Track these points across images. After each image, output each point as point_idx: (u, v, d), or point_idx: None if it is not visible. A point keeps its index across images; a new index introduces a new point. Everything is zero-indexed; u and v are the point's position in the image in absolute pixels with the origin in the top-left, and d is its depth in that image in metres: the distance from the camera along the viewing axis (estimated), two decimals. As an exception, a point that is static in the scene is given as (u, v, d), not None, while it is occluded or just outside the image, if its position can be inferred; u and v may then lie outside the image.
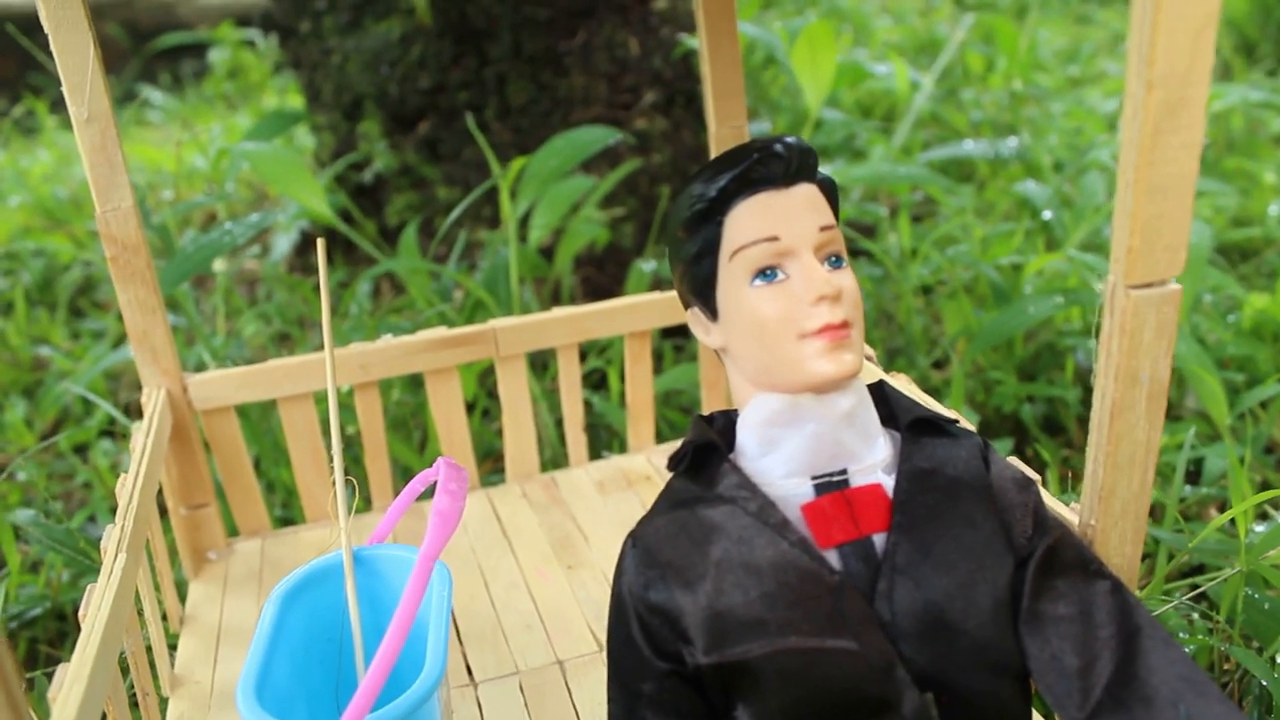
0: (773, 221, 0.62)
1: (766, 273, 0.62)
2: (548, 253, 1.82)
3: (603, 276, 1.89)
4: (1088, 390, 1.53)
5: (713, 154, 1.14)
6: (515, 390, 1.18)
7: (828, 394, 0.63)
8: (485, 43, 1.89)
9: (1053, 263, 1.63)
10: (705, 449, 0.64)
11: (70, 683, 0.69)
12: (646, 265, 1.59)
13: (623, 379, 1.51)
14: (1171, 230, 0.62)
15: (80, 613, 0.77)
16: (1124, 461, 0.67)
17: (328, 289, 0.89)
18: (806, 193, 0.64)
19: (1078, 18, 3.47)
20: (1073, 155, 2.13)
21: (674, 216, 0.67)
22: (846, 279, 0.63)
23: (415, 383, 1.49)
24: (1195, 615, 1.02)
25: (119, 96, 3.30)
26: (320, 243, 0.93)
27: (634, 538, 0.65)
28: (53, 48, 0.96)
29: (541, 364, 1.64)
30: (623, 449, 1.41)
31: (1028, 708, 0.64)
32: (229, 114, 2.87)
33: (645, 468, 1.22)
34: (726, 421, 0.68)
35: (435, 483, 0.81)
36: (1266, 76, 2.87)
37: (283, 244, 1.97)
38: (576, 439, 1.23)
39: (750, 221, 0.63)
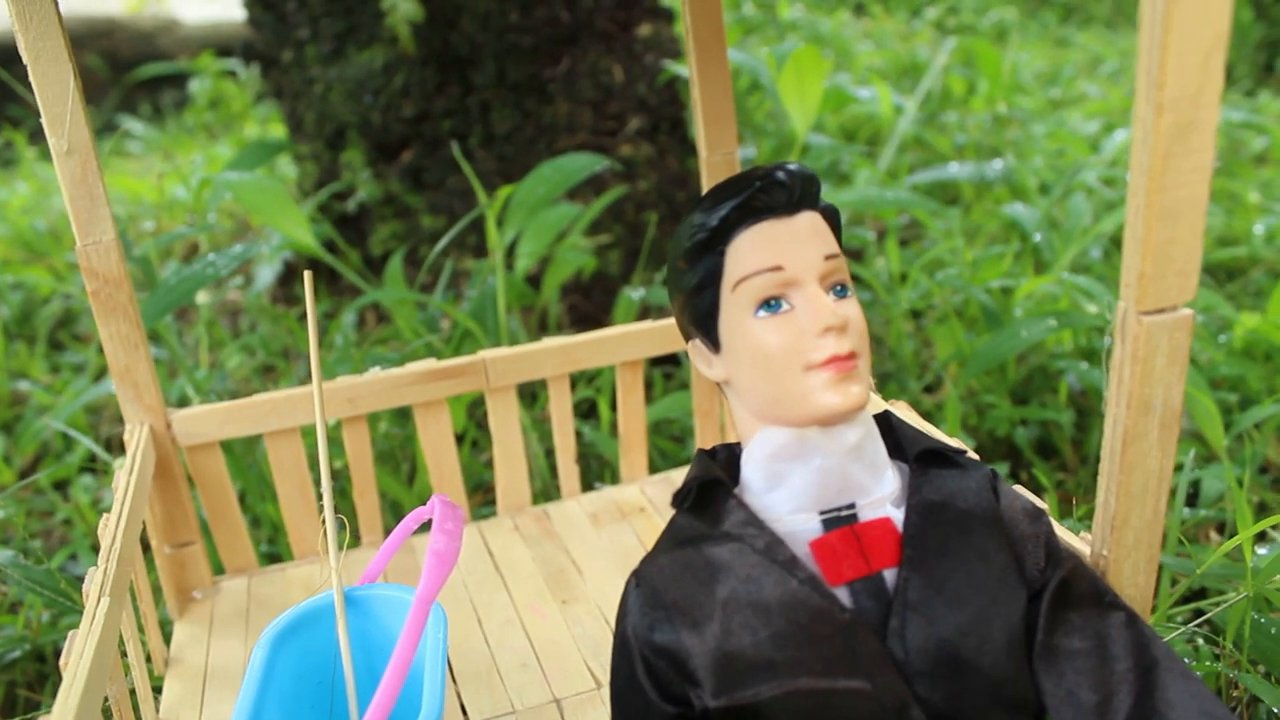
0: (776, 251, 0.61)
1: (770, 303, 0.61)
2: (534, 281, 1.81)
3: (589, 304, 1.88)
4: (1081, 413, 1.52)
5: (704, 181, 1.13)
6: (506, 422, 1.16)
7: (835, 427, 0.61)
8: (469, 70, 1.88)
9: (1043, 286, 1.62)
10: (710, 485, 0.62)
11: (52, 734, 0.67)
12: (635, 293, 1.57)
13: (613, 408, 1.50)
14: (1183, 255, 0.61)
15: (62, 660, 0.74)
16: (1137, 491, 0.66)
17: (315, 323, 0.87)
18: (810, 221, 0.63)
19: (1056, 41, 3.49)
20: (1057, 177, 2.13)
21: (674, 247, 0.65)
22: (852, 309, 0.62)
23: (402, 414, 1.47)
24: (1200, 641, 1.01)
25: (99, 127, 3.27)
26: (308, 275, 0.91)
27: (638, 577, 0.63)
28: (32, 79, 0.94)
29: (530, 394, 1.62)
30: (615, 479, 1.39)
31: (1043, 746, 0.62)
32: (210, 144, 2.85)
33: (639, 499, 1.20)
34: (729, 455, 0.67)
35: (429, 520, 0.79)
36: (1244, 97, 2.88)
37: (265, 275, 1.95)
38: (569, 470, 1.21)
39: (753, 251, 0.61)
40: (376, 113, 1.90)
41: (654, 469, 1.35)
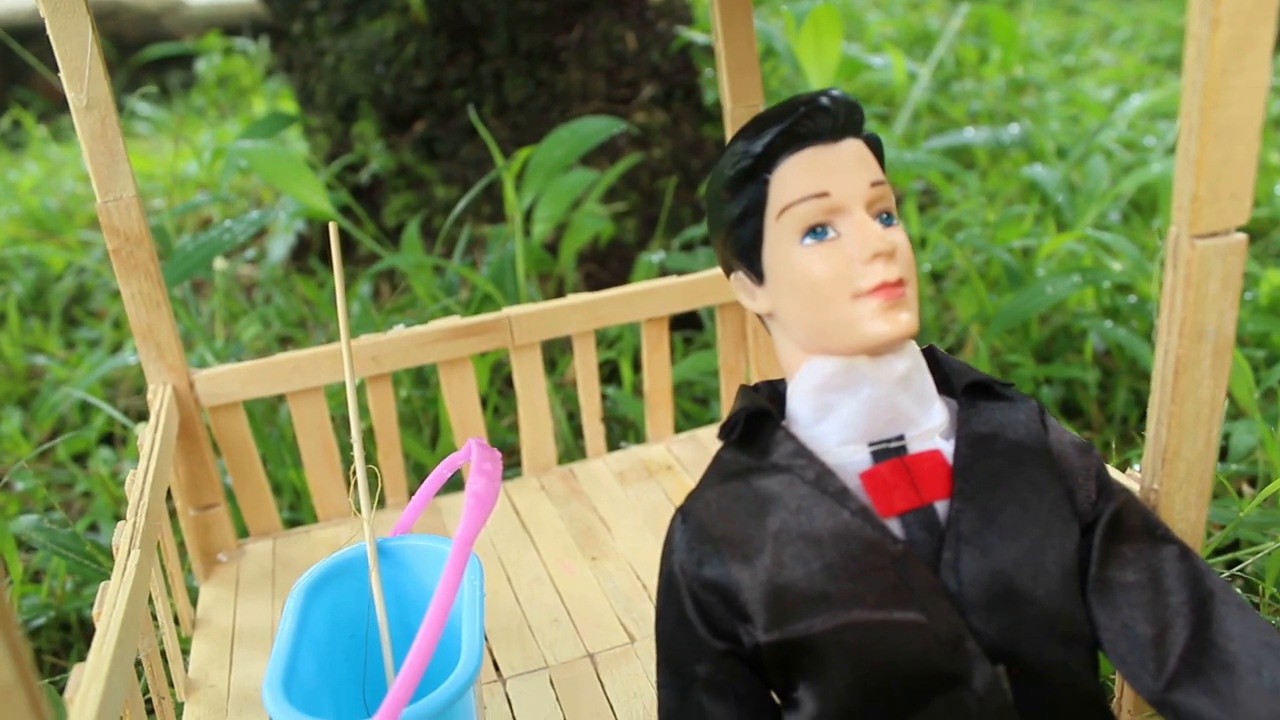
0: (822, 177, 0.60)
1: (817, 230, 0.60)
2: (551, 248, 1.79)
3: (605, 272, 1.86)
4: (1105, 372, 1.50)
5: (729, 133, 1.11)
6: (531, 380, 1.15)
7: (883, 356, 0.60)
8: (481, 39, 1.86)
9: (1064, 245, 1.61)
10: (757, 417, 0.61)
11: (88, 683, 0.66)
12: (655, 257, 1.56)
13: (636, 370, 1.48)
14: (1237, 177, 0.59)
15: (95, 611, 0.74)
16: (1189, 421, 0.64)
17: (341, 277, 0.86)
18: (855, 148, 0.61)
19: (1068, 9, 3.46)
20: (1073, 142, 2.11)
21: (715, 177, 0.64)
22: (899, 236, 0.61)
23: (422, 380, 1.46)
24: (1238, 591, 1.00)
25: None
26: (333, 228, 0.90)
27: (683, 513, 0.61)
28: (50, 32, 0.93)
29: (549, 361, 1.61)
30: (639, 441, 1.38)
31: (1097, 679, 0.61)
32: (218, 123, 2.84)
33: (665, 457, 1.19)
34: (773, 391, 0.66)
35: (454, 475, 0.77)
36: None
37: (279, 248, 1.94)
38: (594, 430, 1.20)
39: (799, 177, 0.60)
40: (388, 83, 1.88)
41: (678, 430, 1.34)
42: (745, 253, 0.63)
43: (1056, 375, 1.44)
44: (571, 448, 1.36)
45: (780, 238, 0.61)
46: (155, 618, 0.89)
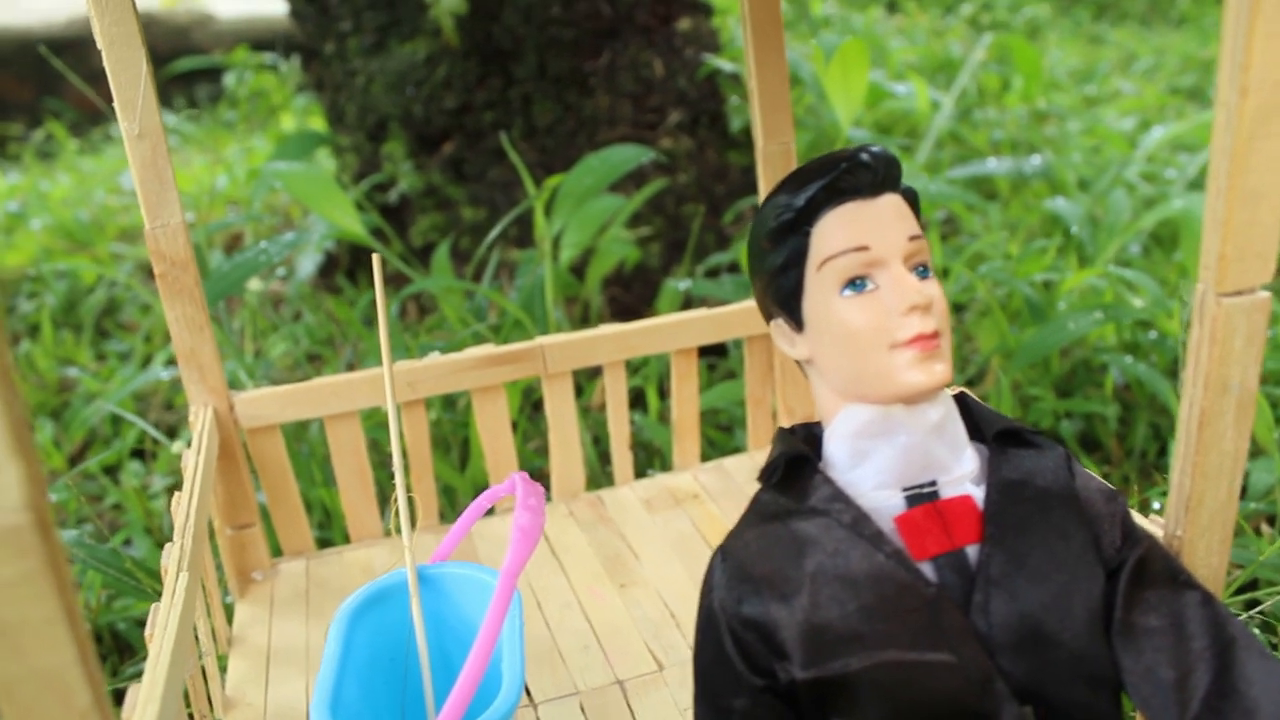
0: (862, 231, 0.62)
1: (856, 282, 0.62)
2: (577, 272, 1.82)
3: (629, 296, 1.89)
4: (1125, 407, 1.52)
5: (760, 170, 1.14)
6: (562, 408, 1.17)
7: (918, 405, 0.62)
8: (511, 63, 1.90)
9: (1085, 280, 1.63)
10: (797, 461, 0.63)
11: (144, 703, 0.68)
12: (681, 284, 1.58)
13: (662, 396, 1.51)
14: (1262, 238, 0.61)
15: (147, 633, 0.76)
16: (1212, 471, 0.66)
17: (384, 304, 0.89)
18: (893, 202, 0.64)
19: (1090, 38, 3.48)
20: (1095, 173, 2.13)
21: (758, 228, 0.66)
22: (935, 289, 0.63)
23: (449, 402, 1.48)
24: (1256, 631, 1.01)
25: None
26: (377, 260, 0.93)
27: (723, 552, 0.64)
28: (106, 64, 0.96)
29: (575, 386, 1.63)
30: (664, 467, 1.40)
31: (1122, 721, 0.63)
32: (246, 138, 2.87)
33: (692, 485, 1.21)
34: (808, 434, 0.68)
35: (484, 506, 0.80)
36: None
37: (306, 266, 1.97)
38: (623, 457, 1.22)
39: (839, 231, 0.62)
40: (418, 104, 1.92)
41: (704, 458, 1.36)
42: (786, 301, 0.65)
43: (1077, 409, 1.46)
44: (597, 473, 1.38)
45: (820, 288, 0.63)
46: (196, 636, 0.92)
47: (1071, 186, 2.03)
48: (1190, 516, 0.67)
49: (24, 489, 0.42)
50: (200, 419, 1.05)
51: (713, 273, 1.78)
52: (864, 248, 0.62)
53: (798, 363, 0.68)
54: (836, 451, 0.64)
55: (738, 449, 1.41)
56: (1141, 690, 0.61)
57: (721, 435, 1.45)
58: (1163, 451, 1.46)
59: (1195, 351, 0.64)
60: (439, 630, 0.84)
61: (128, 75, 0.97)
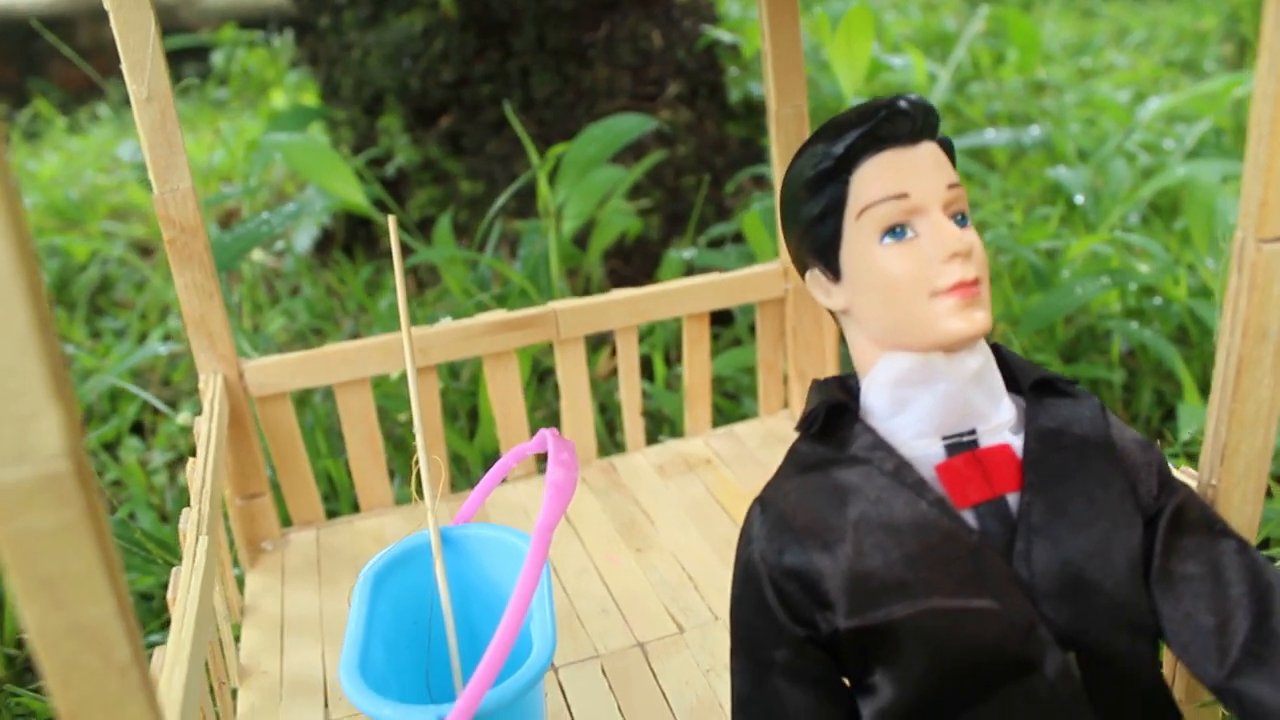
0: (902, 179, 0.61)
1: (896, 230, 0.61)
2: (577, 243, 1.81)
3: (629, 268, 1.88)
4: (1130, 373, 1.52)
5: (773, 133, 1.13)
6: (574, 373, 1.16)
7: (958, 353, 0.61)
8: (509, 35, 1.88)
9: (1089, 247, 1.63)
10: (836, 410, 0.63)
11: (171, 665, 0.68)
12: (686, 253, 1.57)
13: (668, 364, 1.50)
14: (1304, 182, 0.61)
15: (169, 596, 0.75)
16: (1249, 419, 0.66)
17: (402, 267, 0.87)
18: (931, 150, 0.63)
19: (1083, 11, 3.47)
20: (1093, 144, 2.13)
21: (793, 177, 0.66)
22: (973, 236, 0.62)
23: (453, 371, 1.47)
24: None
25: (118, 100, 3.27)
26: (392, 221, 0.91)
27: (762, 503, 0.63)
28: (114, 26, 0.95)
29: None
30: (673, 434, 1.39)
31: (1160, 668, 0.63)
32: (237, 116, 2.85)
33: (704, 451, 1.21)
34: (843, 386, 0.67)
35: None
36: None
37: (304, 238, 1.95)
38: (634, 423, 1.21)
39: (879, 179, 0.61)
40: (415, 77, 1.90)
41: (713, 425, 1.36)
42: (823, 251, 0.64)
43: (1082, 375, 1.45)
44: (605, 441, 1.38)
45: (859, 237, 0.62)
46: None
47: (1071, 157, 2.03)
48: (1226, 465, 0.67)
49: (64, 435, 0.41)
50: (211, 386, 1.04)
51: (716, 243, 1.77)
52: (904, 195, 0.61)
53: (832, 313, 0.67)
54: (876, 400, 0.63)
55: (744, 416, 1.40)
56: (1181, 636, 0.61)
57: (729, 403, 1.44)
58: (1167, 416, 1.46)
59: (1234, 298, 0.64)
60: (463, 592, 0.84)
61: (136, 37, 0.95)
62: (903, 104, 0.62)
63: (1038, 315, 1.39)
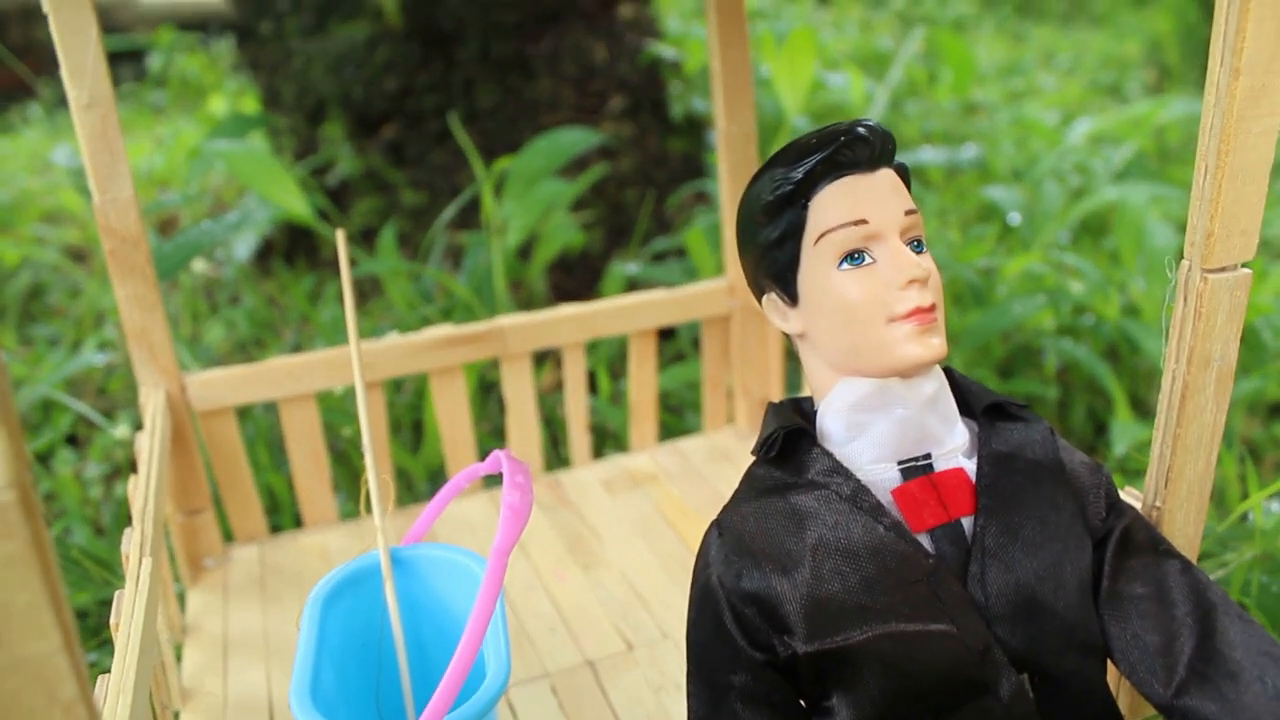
0: (861, 205, 0.62)
1: (854, 256, 0.62)
2: (520, 256, 1.80)
3: (572, 281, 1.88)
4: (1064, 389, 1.55)
5: (721, 152, 1.14)
6: (521, 388, 1.16)
7: (914, 378, 0.62)
8: (453, 46, 1.87)
9: (1025, 266, 1.66)
10: (794, 435, 0.63)
11: (114, 694, 0.66)
12: (629, 267, 1.58)
13: (612, 378, 1.50)
14: (1248, 216, 0.63)
15: (112, 621, 0.74)
16: (1192, 444, 0.68)
17: (350, 279, 0.87)
18: (889, 177, 0.64)
19: (1013, 36, 3.55)
20: (1024, 163, 2.18)
21: (750, 201, 0.66)
22: (930, 263, 0.63)
23: (395, 385, 1.46)
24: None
25: (52, 101, 3.19)
26: (340, 233, 0.91)
27: (719, 527, 0.63)
28: (53, 28, 0.92)
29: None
30: (617, 449, 1.40)
31: (1108, 688, 0.64)
32: (173, 121, 2.80)
33: (650, 467, 1.21)
34: (797, 409, 0.68)
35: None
36: (1198, 91, 2.96)
37: (242, 249, 1.92)
38: (580, 439, 1.21)
39: (838, 205, 0.62)
40: (358, 87, 1.88)
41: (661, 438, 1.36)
42: (780, 275, 0.65)
43: (1018, 391, 1.48)
44: (549, 455, 1.37)
45: (817, 262, 0.63)
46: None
47: (1005, 175, 2.07)
48: (1170, 488, 0.69)
49: (8, 464, 0.40)
50: (152, 401, 1.02)
51: (659, 257, 1.78)
52: (863, 221, 0.62)
53: (789, 338, 0.68)
54: (833, 425, 0.64)
55: (688, 431, 1.41)
56: (1129, 656, 0.63)
57: (672, 418, 1.45)
58: (1099, 430, 1.49)
59: (1179, 326, 0.66)
60: (413, 613, 0.83)
61: (76, 40, 0.93)
62: (862, 130, 0.63)
63: (976, 332, 1.42)
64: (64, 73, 0.94)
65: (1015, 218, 1.76)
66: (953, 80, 2.57)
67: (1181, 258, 0.66)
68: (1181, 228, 2.08)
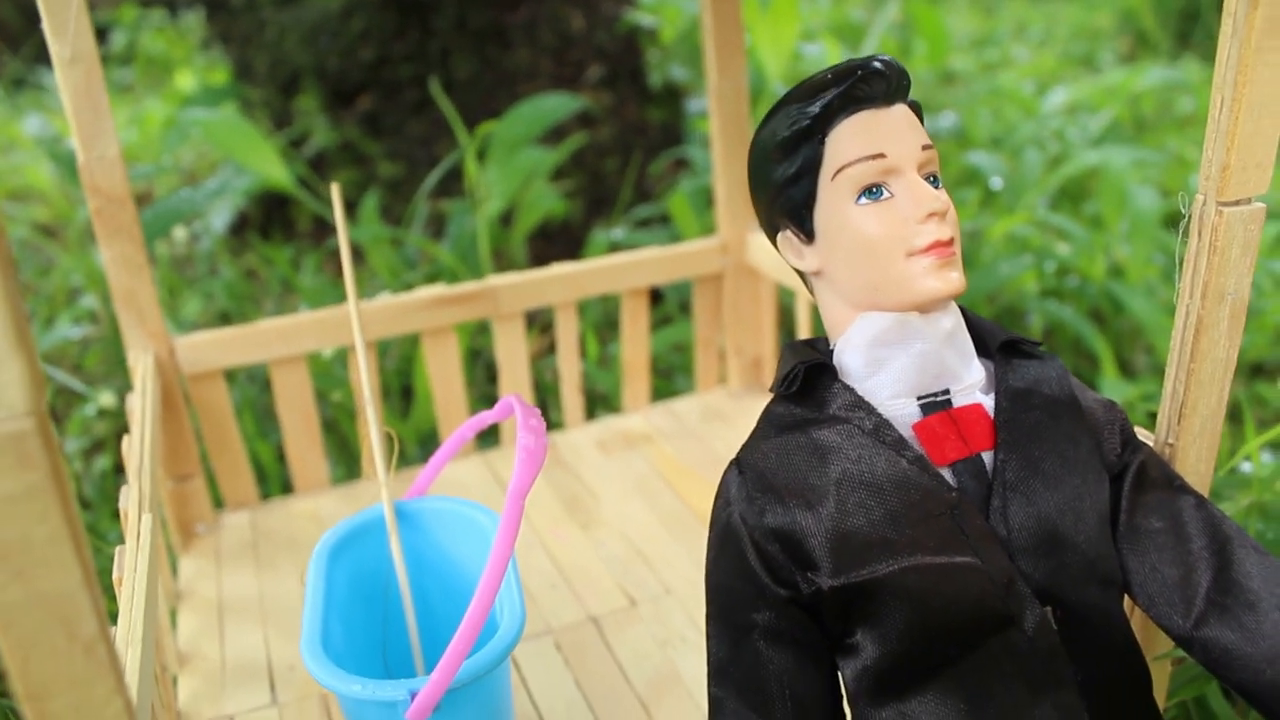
0: (878, 139, 0.61)
1: (872, 190, 0.61)
2: (500, 225, 1.79)
3: (553, 250, 1.86)
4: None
5: (712, 108, 1.13)
6: (513, 349, 1.15)
7: (932, 313, 0.62)
8: (429, 15, 1.85)
9: (1009, 229, 1.67)
10: (814, 370, 0.63)
11: (124, 646, 0.65)
12: (614, 233, 1.57)
13: (600, 342, 1.49)
14: (1263, 148, 0.63)
15: (115, 576, 0.72)
16: (1205, 379, 0.68)
17: (346, 234, 0.85)
18: (904, 112, 0.63)
19: (985, 8, 3.56)
20: (1004, 131, 2.18)
21: (765, 139, 0.65)
22: (947, 197, 0.63)
23: (383, 348, 1.44)
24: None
25: (9, 79, 3.13)
26: (335, 188, 0.89)
27: (739, 465, 0.63)
28: (37, -17, 0.90)
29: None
30: (608, 411, 1.39)
31: (1127, 621, 0.65)
32: (139, 99, 2.75)
33: (644, 427, 1.20)
34: (813, 348, 0.67)
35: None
36: (1170, 61, 2.98)
37: (218, 221, 1.89)
38: (573, 400, 1.20)
39: (855, 139, 0.62)
40: (333, 57, 1.86)
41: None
42: (796, 212, 0.64)
43: (1005, 353, 1.49)
44: (540, 421, 1.36)
45: (835, 198, 0.62)
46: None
47: (984, 143, 2.07)
48: (1184, 424, 0.69)
49: (27, 390, 0.38)
50: (141, 364, 1.00)
51: (643, 223, 1.77)
52: (880, 155, 0.61)
53: (802, 276, 0.67)
54: (851, 361, 0.63)
55: (677, 393, 1.40)
56: (1147, 589, 0.63)
57: (662, 381, 1.44)
58: (1086, 392, 1.50)
59: (1192, 261, 0.66)
60: (418, 566, 0.82)
61: (59, -5, 0.91)
62: (878, 65, 0.62)
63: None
64: (46, 29, 0.92)
65: (997, 182, 1.76)
66: (928, 51, 2.57)
67: (1181, 213, 0.65)
68: (1165, 192, 2.09)
